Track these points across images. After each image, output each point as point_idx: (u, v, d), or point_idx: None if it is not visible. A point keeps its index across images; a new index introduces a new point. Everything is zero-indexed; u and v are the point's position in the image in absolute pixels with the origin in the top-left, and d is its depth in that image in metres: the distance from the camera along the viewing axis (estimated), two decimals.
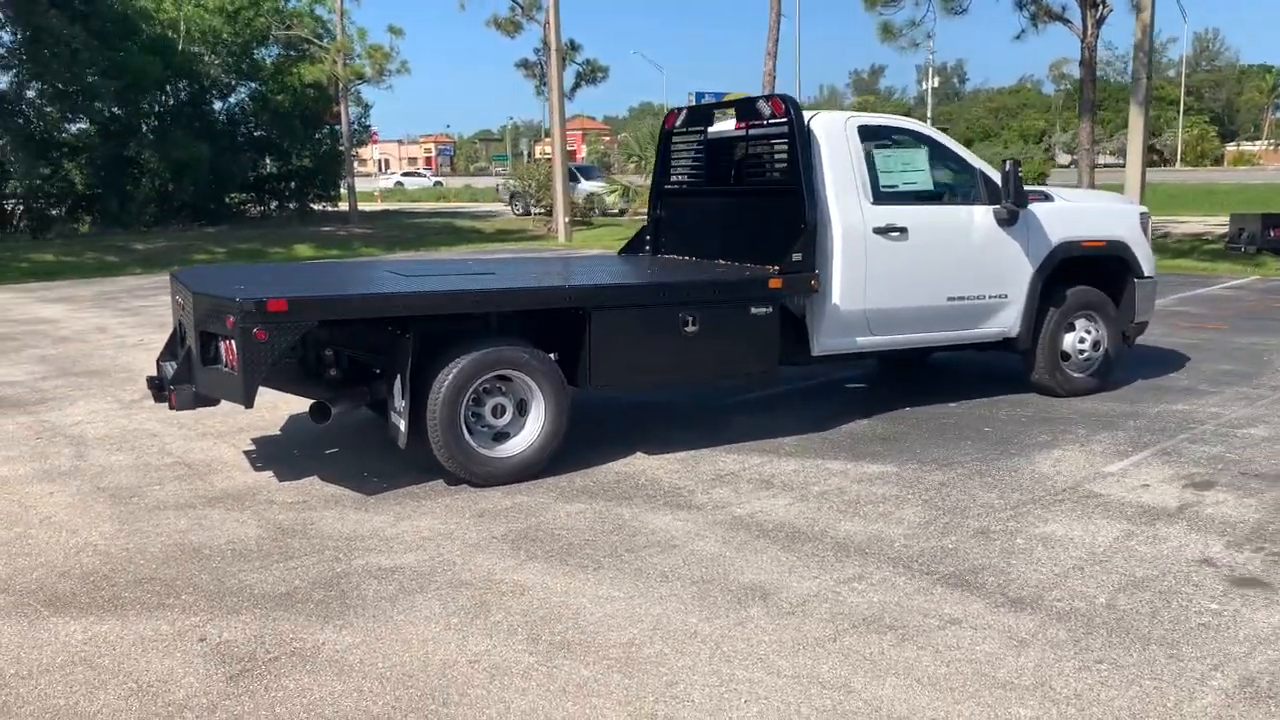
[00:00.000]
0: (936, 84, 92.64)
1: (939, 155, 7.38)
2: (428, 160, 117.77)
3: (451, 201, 54.38)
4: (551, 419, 5.94)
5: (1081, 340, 7.75)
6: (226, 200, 34.24)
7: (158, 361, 6.48)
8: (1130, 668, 3.68)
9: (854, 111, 7.53)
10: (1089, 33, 19.57)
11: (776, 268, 6.51)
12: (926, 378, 8.77)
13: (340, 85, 29.65)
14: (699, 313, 6.19)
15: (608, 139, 73.94)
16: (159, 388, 6.06)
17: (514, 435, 5.96)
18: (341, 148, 32.02)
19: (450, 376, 5.64)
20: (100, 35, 26.73)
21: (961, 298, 7.23)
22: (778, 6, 24.67)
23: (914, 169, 7.20)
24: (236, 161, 31.61)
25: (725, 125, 7.62)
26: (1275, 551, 4.74)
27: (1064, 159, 73.97)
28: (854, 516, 5.30)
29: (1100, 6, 19.48)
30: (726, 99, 7.50)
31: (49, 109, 25.90)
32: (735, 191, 7.51)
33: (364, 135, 39.97)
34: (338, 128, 33.69)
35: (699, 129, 7.87)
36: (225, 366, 5.39)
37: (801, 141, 6.67)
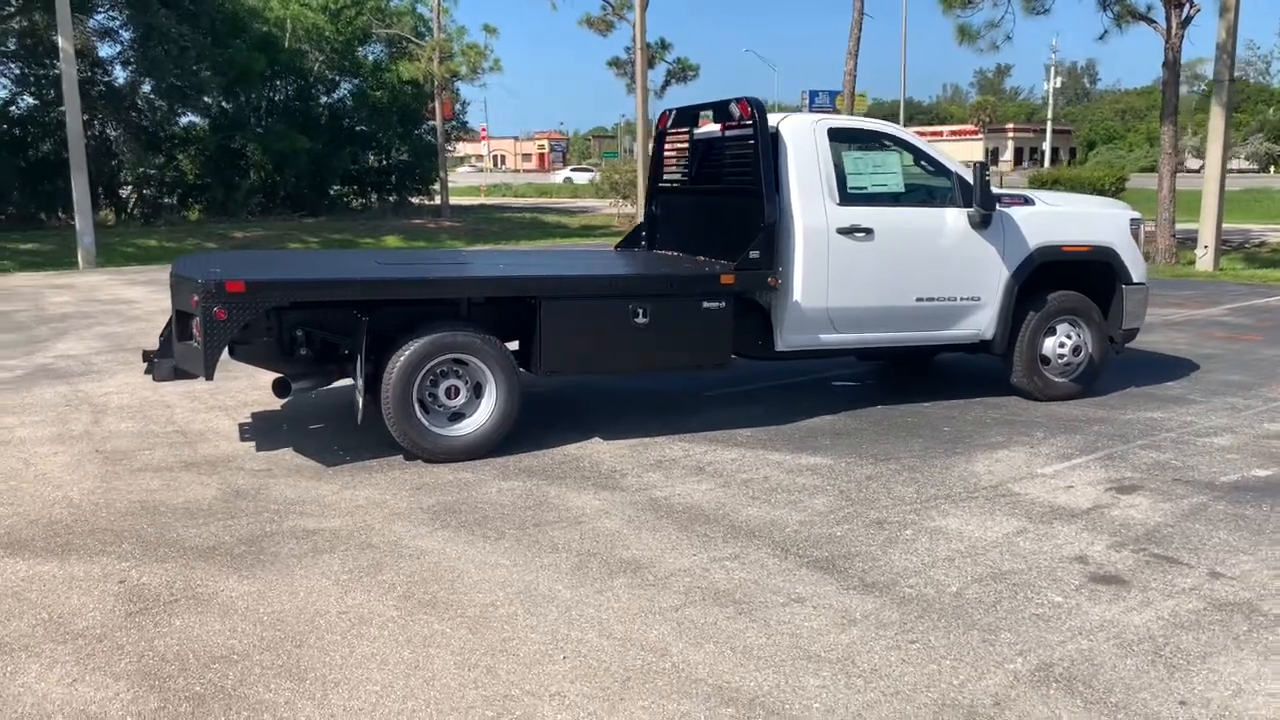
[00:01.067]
0: (1059, 84, 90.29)
1: (914, 158, 7.50)
2: (540, 157, 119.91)
3: (553, 197, 55.36)
4: (502, 402, 6.30)
5: (1061, 345, 7.76)
6: (331, 192, 35.70)
7: (159, 338, 7.07)
8: (939, 649, 3.86)
9: (830, 114, 7.68)
10: (1174, 33, 19.04)
11: (733, 264, 6.76)
12: (918, 378, 8.86)
13: (435, 82, 30.59)
14: (650, 305, 6.48)
15: None
16: (150, 361, 6.63)
17: (469, 416, 6.35)
18: (436, 142, 32.99)
19: (403, 358, 6.06)
20: (211, 33, 28.20)
21: (931, 299, 7.34)
22: (860, 6, 24.60)
23: (885, 171, 7.33)
24: (337, 155, 32.91)
25: (710, 127, 7.88)
26: (1156, 553, 4.81)
27: (1194, 163, 71.13)
28: (763, 503, 5.53)
29: (1187, 6, 18.95)
30: (708, 103, 7.73)
31: (160, 103, 27.47)
32: (714, 190, 7.76)
33: (462, 131, 41.02)
34: (435, 123, 34.74)
35: (686, 130, 8.14)
36: (194, 342, 5.90)
37: (764, 143, 6.89)
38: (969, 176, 7.35)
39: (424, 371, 6.13)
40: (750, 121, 7.02)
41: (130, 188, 30.33)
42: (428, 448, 6.19)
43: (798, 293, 7.01)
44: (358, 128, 35.22)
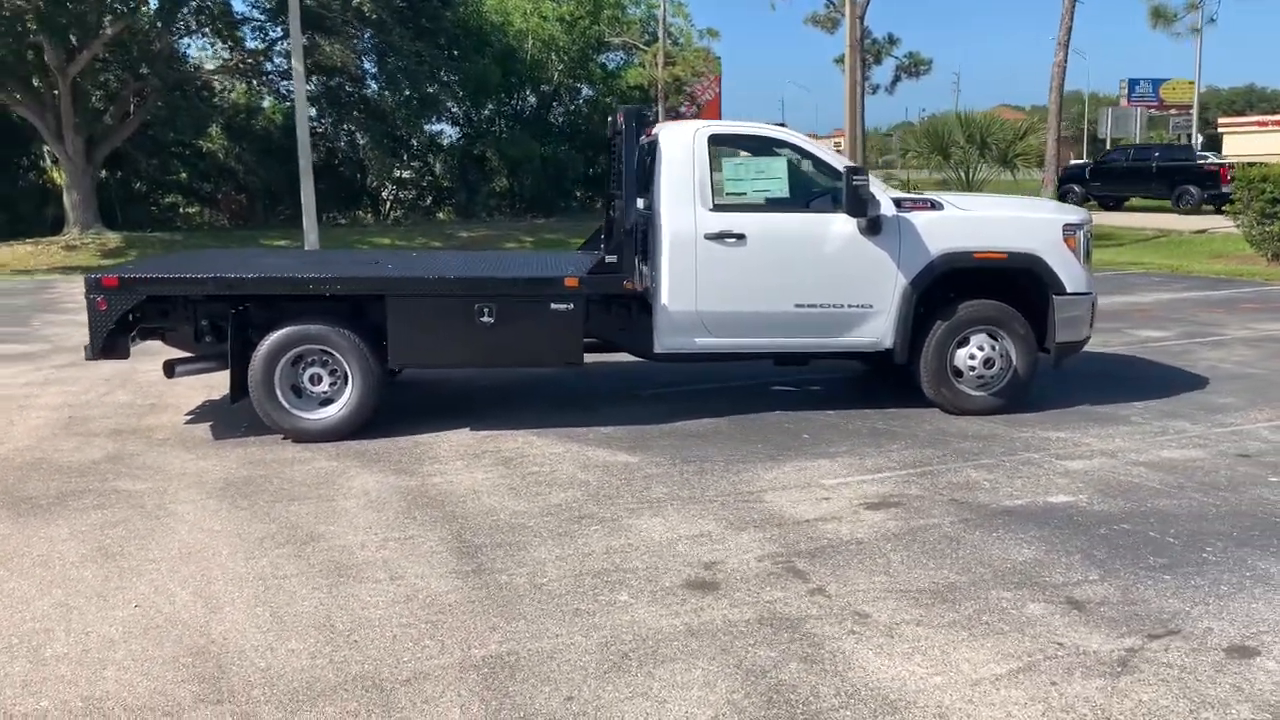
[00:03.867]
0: None
1: (808, 164, 7.42)
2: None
3: None
4: (358, 391, 6.96)
5: (973, 357, 7.39)
6: (575, 195, 37.74)
7: None
8: (442, 629, 4.12)
9: (719, 121, 7.68)
10: None
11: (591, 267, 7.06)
12: (901, 387, 8.62)
13: (659, 87, 31.63)
14: (495, 305, 6.90)
15: None
16: None
17: (336, 401, 7.06)
18: None
19: (265, 346, 6.86)
20: (455, 47, 30.71)
21: (813, 305, 7.24)
22: None
23: (769, 177, 7.32)
24: (572, 159, 34.73)
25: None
26: (797, 567, 4.73)
27: None
28: (513, 494, 5.85)
29: None
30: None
31: (402, 114, 30.24)
32: (620, 195, 8.01)
33: None
34: None
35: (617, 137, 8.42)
36: None
37: (627, 150, 7.13)
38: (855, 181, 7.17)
39: (285, 359, 6.89)
40: (621, 130, 7.27)
41: (388, 191, 33.58)
42: (287, 428, 6.96)
43: (665, 296, 7.17)
44: (601, 132, 36.93)
